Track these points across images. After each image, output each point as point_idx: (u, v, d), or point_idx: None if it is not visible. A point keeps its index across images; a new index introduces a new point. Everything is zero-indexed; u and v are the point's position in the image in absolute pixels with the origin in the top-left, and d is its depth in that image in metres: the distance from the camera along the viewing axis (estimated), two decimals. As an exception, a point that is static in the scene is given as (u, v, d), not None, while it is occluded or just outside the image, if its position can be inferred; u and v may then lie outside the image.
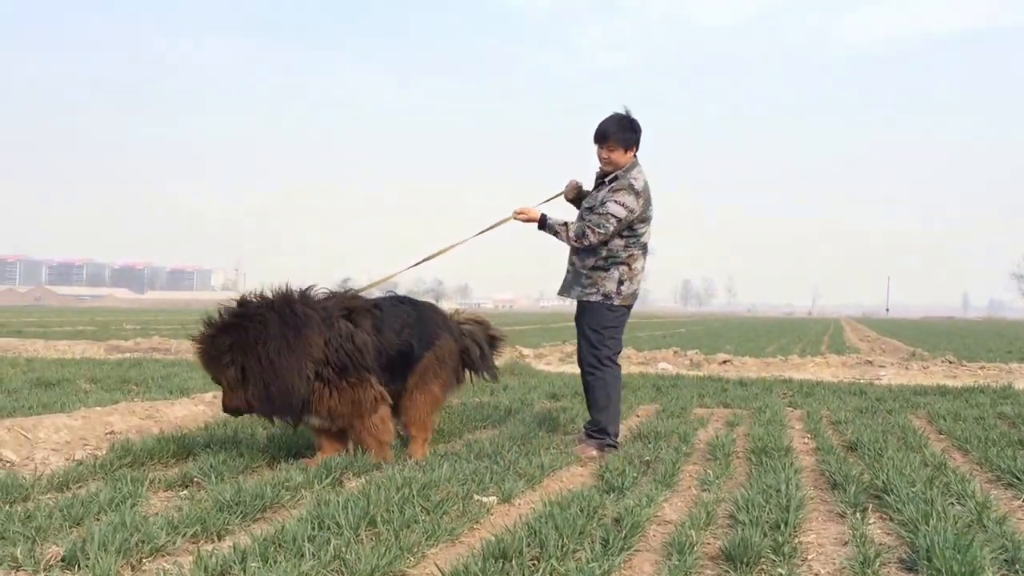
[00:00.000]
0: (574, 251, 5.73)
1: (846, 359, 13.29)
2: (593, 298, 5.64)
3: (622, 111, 5.67)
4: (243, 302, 4.96)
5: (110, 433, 5.69)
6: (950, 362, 12.90)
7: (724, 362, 12.87)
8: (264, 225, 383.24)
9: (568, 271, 5.83)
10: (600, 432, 5.58)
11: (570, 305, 5.93)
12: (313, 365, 4.79)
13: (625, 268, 5.63)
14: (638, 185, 5.56)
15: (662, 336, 26.32)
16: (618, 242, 5.59)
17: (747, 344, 21.30)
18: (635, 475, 4.51)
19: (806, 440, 5.87)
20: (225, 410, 4.99)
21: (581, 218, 5.70)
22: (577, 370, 6.05)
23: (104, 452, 5.01)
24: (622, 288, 5.64)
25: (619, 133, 5.62)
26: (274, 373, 4.71)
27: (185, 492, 4.18)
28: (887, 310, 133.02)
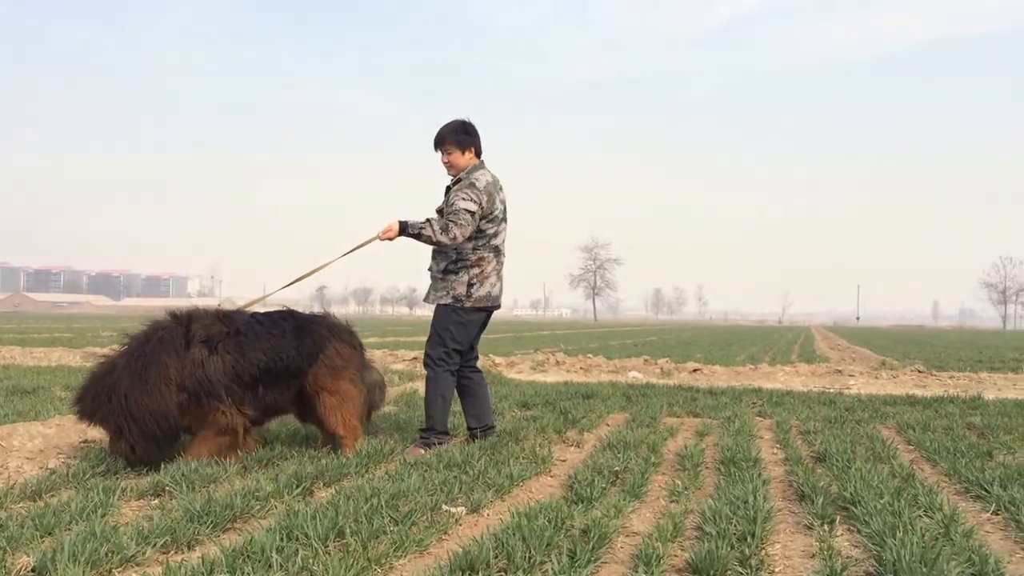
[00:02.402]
0: (432, 256, 5.91)
1: (816, 368, 13.35)
2: (444, 301, 5.85)
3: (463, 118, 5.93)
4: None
5: (84, 442, 5.70)
6: (920, 371, 12.98)
7: (694, 371, 12.90)
8: (239, 231, 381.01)
9: (431, 279, 5.99)
10: (427, 431, 5.82)
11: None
12: (175, 388, 4.89)
13: (476, 271, 5.84)
14: (479, 184, 5.78)
15: (633, 344, 26.37)
16: (467, 244, 5.79)
17: (718, 353, 21.36)
18: (604, 486, 4.49)
19: (775, 450, 5.87)
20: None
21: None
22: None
23: (77, 461, 4.99)
24: (472, 291, 5.83)
25: (454, 136, 5.88)
26: (144, 407, 4.80)
27: (156, 502, 4.15)
28: (858, 318, 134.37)
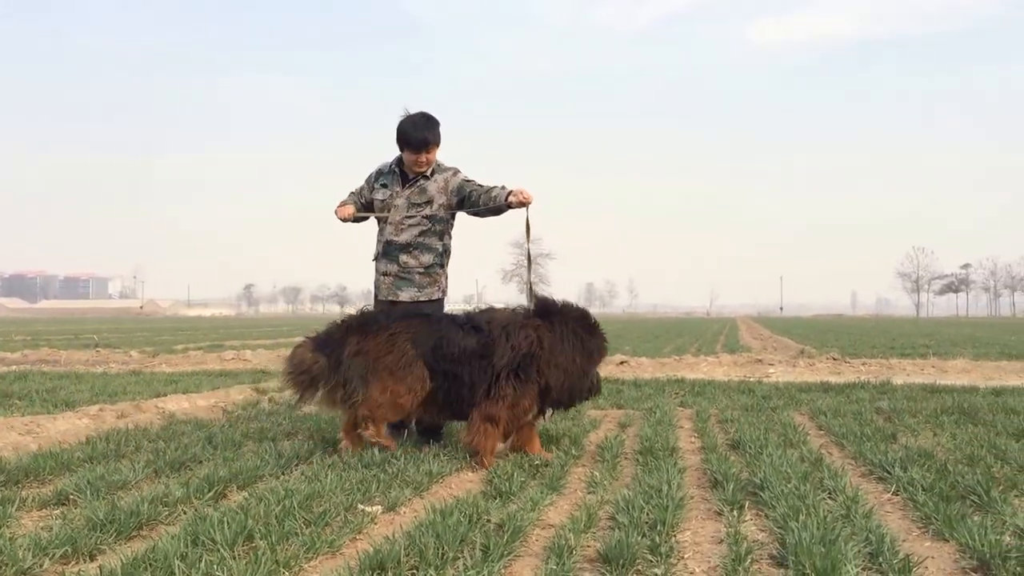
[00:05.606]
0: (407, 251, 5.82)
1: (737, 358, 13.64)
2: (436, 296, 5.89)
3: (407, 110, 5.87)
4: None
5: (-17, 451, 5.45)
6: (835, 359, 13.38)
7: (621, 363, 13.05)
8: (162, 230, 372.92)
9: (389, 272, 5.89)
10: None
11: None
12: None
13: (448, 266, 6.01)
14: None
15: (564, 338, 26.47)
16: (451, 240, 5.96)
17: (645, 345, 21.63)
18: (523, 479, 4.52)
19: (693, 439, 5.98)
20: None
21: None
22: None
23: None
24: (447, 284, 6.02)
25: (438, 135, 5.85)
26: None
27: (59, 511, 4.00)
28: (781, 309, 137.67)
